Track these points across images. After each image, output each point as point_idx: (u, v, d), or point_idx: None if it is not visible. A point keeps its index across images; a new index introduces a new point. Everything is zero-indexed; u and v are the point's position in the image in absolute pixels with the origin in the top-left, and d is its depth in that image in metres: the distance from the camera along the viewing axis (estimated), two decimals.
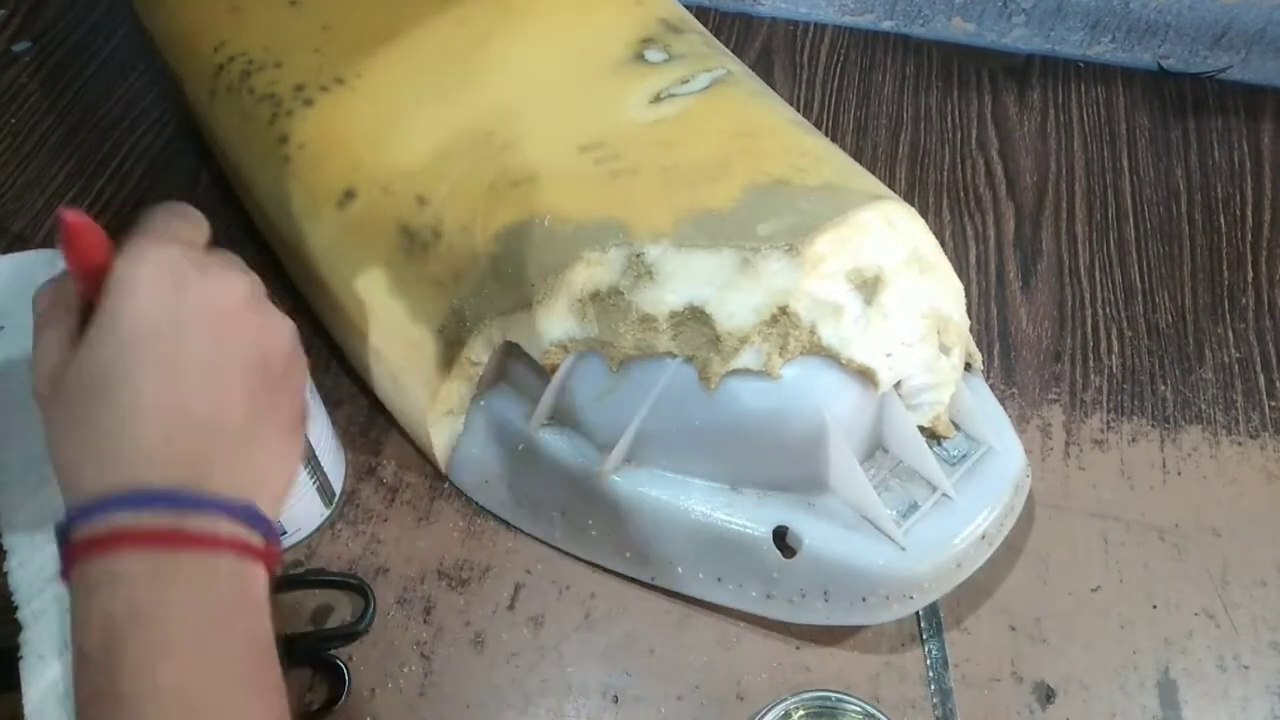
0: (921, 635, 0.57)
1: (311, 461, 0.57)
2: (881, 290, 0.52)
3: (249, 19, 0.66)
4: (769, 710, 0.52)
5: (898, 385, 0.54)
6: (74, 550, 0.29)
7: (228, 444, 0.31)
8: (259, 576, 0.31)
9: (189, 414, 0.30)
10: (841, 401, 0.52)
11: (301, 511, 0.58)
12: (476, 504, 0.61)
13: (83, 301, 0.35)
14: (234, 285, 0.33)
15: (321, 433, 0.57)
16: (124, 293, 0.31)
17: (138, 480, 0.29)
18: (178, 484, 0.29)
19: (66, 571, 0.30)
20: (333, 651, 0.55)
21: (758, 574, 0.55)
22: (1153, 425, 0.65)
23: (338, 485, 0.61)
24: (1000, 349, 0.68)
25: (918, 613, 0.57)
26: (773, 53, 0.87)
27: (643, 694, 0.55)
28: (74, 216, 0.33)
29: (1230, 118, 0.83)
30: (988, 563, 0.55)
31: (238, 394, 0.32)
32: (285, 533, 0.58)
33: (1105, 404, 0.66)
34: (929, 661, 0.56)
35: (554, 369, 0.54)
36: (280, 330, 0.35)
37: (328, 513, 0.60)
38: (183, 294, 0.31)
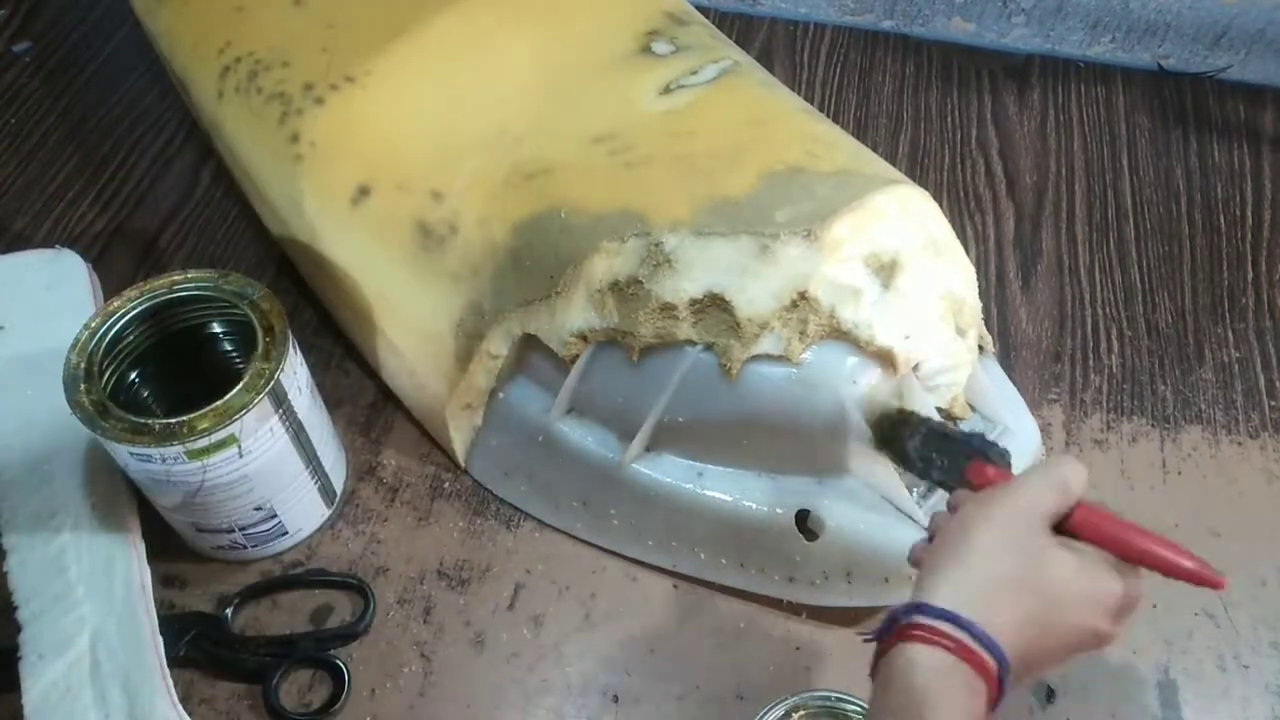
0: None
1: (313, 462, 0.57)
2: (899, 273, 0.52)
3: (254, 19, 0.66)
4: (769, 710, 0.52)
5: (915, 367, 0.54)
6: (902, 631, 0.39)
7: (1036, 659, 0.39)
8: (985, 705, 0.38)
9: (1044, 644, 0.39)
10: (861, 384, 0.52)
11: (303, 512, 0.58)
12: (476, 504, 0.61)
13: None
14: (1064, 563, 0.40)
15: (322, 433, 0.58)
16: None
17: (973, 614, 0.38)
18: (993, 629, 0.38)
19: (888, 638, 0.40)
20: (332, 651, 0.55)
21: (780, 558, 0.55)
22: (1153, 425, 0.65)
23: (338, 485, 0.61)
24: (1000, 349, 0.68)
25: None
26: (773, 52, 0.87)
27: (643, 694, 0.55)
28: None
29: (1230, 118, 0.83)
30: None
31: (1065, 646, 0.40)
32: (287, 533, 0.58)
33: (1105, 404, 0.66)
34: None
35: (574, 360, 0.54)
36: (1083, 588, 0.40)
37: (328, 513, 0.60)
38: (1106, 601, 0.39)
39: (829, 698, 0.53)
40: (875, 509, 0.54)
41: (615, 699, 0.54)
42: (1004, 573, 0.39)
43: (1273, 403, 0.66)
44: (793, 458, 0.55)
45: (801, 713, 0.52)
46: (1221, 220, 0.76)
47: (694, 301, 0.51)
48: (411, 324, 0.58)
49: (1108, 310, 0.71)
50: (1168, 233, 0.75)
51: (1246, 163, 0.80)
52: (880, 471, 0.54)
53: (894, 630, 0.39)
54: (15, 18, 0.89)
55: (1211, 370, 0.68)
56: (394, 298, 0.59)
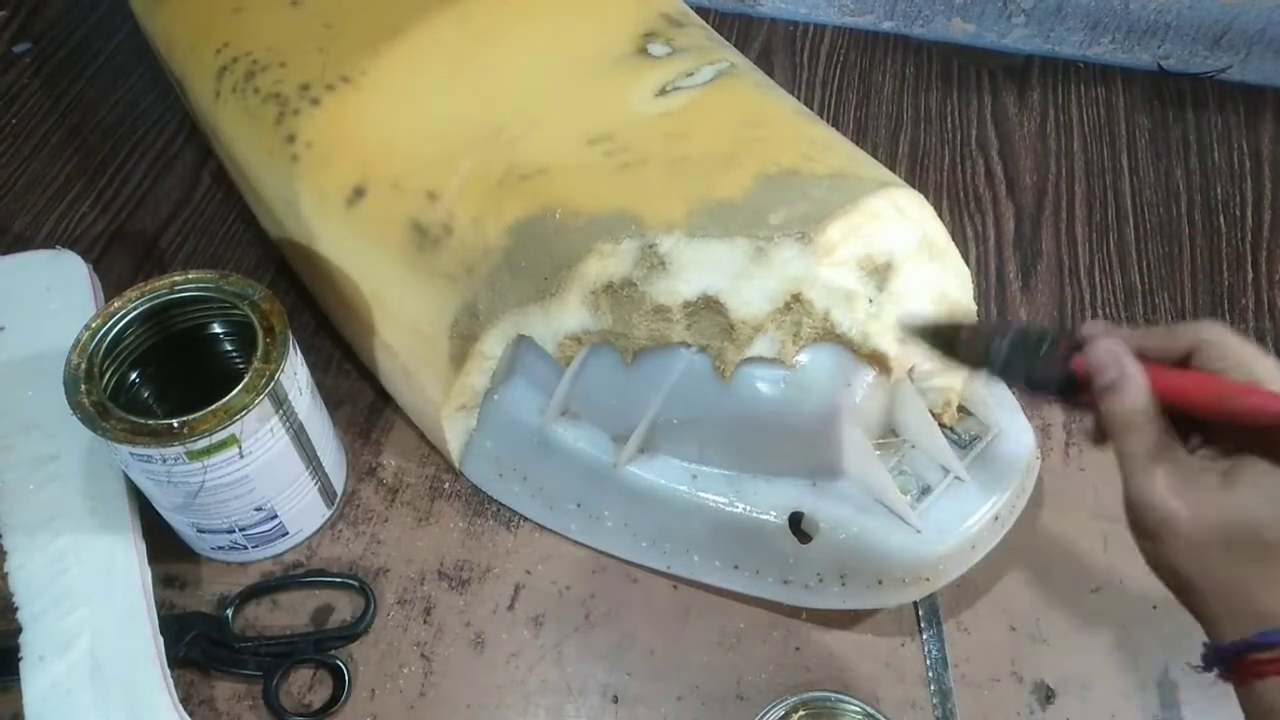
0: (921, 635, 0.57)
1: (313, 462, 0.57)
2: (893, 276, 0.52)
3: (251, 19, 0.66)
4: (769, 710, 0.52)
5: (910, 370, 0.54)
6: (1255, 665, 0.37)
7: None
8: None
9: None
10: (855, 387, 0.52)
11: (303, 512, 0.58)
12: (476, 504, 0.61)
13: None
14: None
15: (323, 433, 0.58)
16: None
17: None
18: None
19: (1241, 675, 0.37)
20: (333, 651, 0.55)
21: (774, 560, 0.55)
22: None
23: (339, 486, 0.61)
24: None
25: (917, 612, 0.57)
26: (773, 53, 0.87)
27: (643, 694, 0.55)
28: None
29: (1230, 118, 0.83)
30: (988, 562, 0.56)
31: None
32: (287, 533, 0.58)
33: None
34: (929, 661, 0.56)
35: (568, 361, 0.54)
36: None
37: (329, 513, 0.60)
38: None
39: (829, 698, 0.53)
40: (869, 512, 0.54)
41: (615, 699, 0.54)
42: None
43: None
44: (787, 460, 0.55)
45: (802, 713, 0.53)
46: (1221, 220, 0.76)
47: (688, 304, 0.51)
48: (406, 325, 0.59)
49: (1108, 311, 0.71)
50: (1168, 233, 0.75)
51: (1246, 163, 0.80)
52: (874, 474, 0.54)
53: (1243, 662, 0.38)
54: (15, 18, 0.89)
55: None
56: (389, 298, 0.59)
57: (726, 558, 0.56)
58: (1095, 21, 0.85)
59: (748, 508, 0.55)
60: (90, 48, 0.87)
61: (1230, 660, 0.38)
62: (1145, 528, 0.40)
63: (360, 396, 0.66)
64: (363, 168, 0.59)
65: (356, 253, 0.59)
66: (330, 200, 0.59)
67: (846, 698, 0.52)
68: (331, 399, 0.65)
